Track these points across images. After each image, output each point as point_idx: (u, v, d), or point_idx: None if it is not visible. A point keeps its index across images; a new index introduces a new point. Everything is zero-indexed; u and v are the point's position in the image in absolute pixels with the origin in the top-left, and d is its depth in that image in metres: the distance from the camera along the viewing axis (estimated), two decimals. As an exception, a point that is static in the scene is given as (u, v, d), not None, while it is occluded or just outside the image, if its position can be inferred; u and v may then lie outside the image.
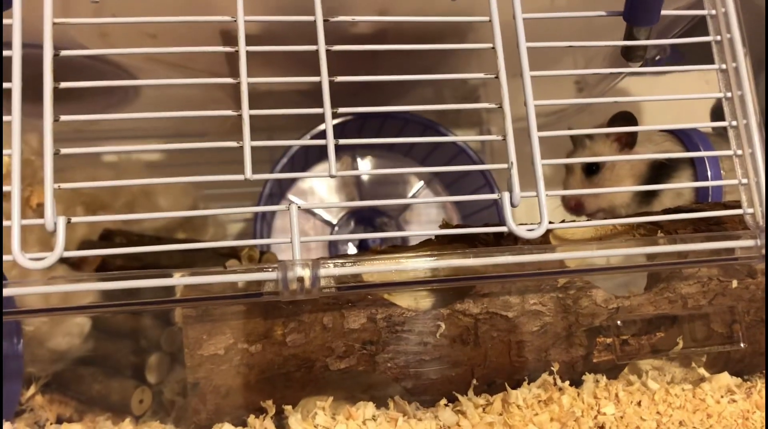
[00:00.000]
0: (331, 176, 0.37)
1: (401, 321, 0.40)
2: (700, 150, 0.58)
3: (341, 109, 0.38)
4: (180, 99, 0.70)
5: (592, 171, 0.58)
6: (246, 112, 0.37)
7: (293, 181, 0.77)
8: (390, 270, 0.37)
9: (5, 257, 0.34)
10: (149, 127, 0.78)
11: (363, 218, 0.80)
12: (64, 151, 0.36)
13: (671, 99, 0.47)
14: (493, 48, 0.40)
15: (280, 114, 0.38)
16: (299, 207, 0.37)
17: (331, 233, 0.77)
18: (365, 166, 0.80)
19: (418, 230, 0.79)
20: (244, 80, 0.37)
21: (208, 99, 0.72)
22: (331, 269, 0.36)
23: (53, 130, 0.35)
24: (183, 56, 0.60)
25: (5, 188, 0.34)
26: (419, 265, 0.37)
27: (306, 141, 0.62)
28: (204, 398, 0.38)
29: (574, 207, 0.59)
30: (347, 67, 0.39)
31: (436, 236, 0.46)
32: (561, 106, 0.81)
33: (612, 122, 0.56)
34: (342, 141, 0.38)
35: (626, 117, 0.55)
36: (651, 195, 0.58)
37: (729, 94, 0.41)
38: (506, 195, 0.38)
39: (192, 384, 0.38)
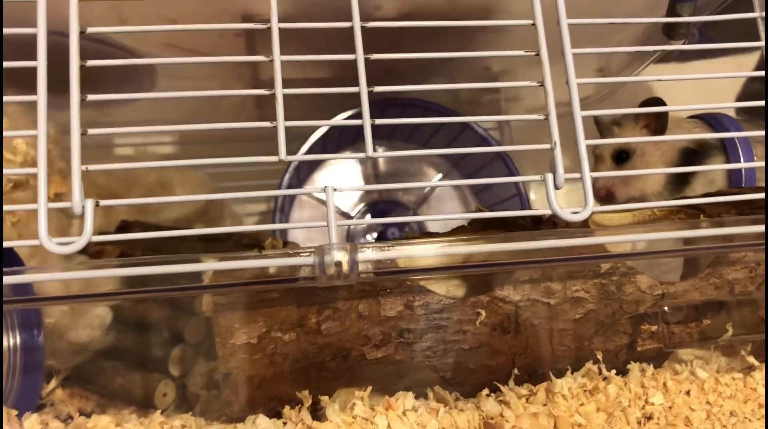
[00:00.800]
0: (368, 157, 0.36)
1: (439, 308, 0.38)
2: (730, 137, 0.56)
3: (377, 88, 0.37)
4: (196, 87, 0.69)
5: (622, 159, 0.56)
6: (279, 91, 0.36)
7: (310, 173, 0.75)
8: (429, 255, 0.36)
9: (30, 242, 0.33)
10: (164, 119, 0.77)
11: (380, 211, 0.78)
12: (91, 131, 0.34)
13: (707, 77, 0.46)
14: (533, 24, 0.38)
15: (311, 94, 0.37)
16: (335, 189, 0.35)
17: (349, 227, 0.76)
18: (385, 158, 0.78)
19: (435, 224, 0.78)
20: (277, 57, 0.36)
21: (228, 88, 0.70)
22: (369, 253, 0.34)
23: (64, 118, 0.34)
24: (203, 43, 0.59)
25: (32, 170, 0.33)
26: (459, 249, 0.35)
27: (341, 121, 0.61)
28: (236, 389, 0.37)
29: (605, 196, 0.57)
30: (372, 51, 0.38)
31: (469, 223, 0.45)
32: (584, 95, 0.79)
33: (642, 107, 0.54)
34: (378, 121, 0.37)
35: (657, 102, 0.53)
36: (683, 182, 0.56)
37: (771, 72, 0.40)
38: (549, 176, 0.37)
39: (224, 374, 0.37)
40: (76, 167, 0.34)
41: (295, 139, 0.70)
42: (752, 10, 0.40)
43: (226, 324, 0.37)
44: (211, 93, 0.38)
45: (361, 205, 0.78)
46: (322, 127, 0.68)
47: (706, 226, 0.39)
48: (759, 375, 0.39)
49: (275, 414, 0.36)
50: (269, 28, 0.36)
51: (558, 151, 0.37)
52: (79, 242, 0.33)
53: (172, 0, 0.52)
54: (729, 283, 0.41)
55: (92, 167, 0.34)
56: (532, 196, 0.77)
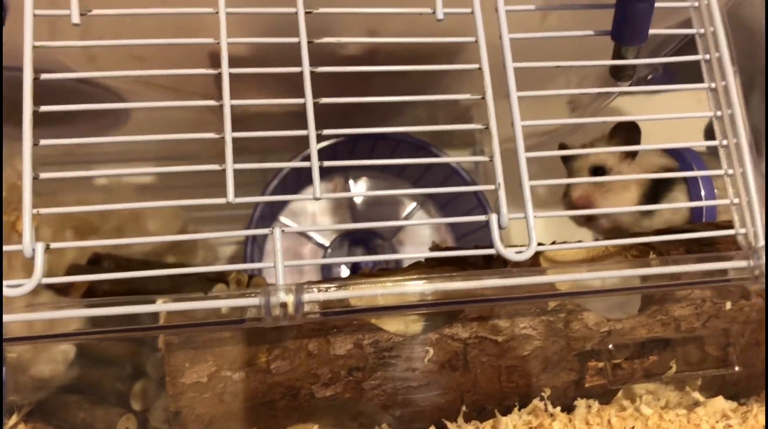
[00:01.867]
0: (316, 199, 0.37)
1: (389, 346, 0.39)
2: (693, 169, 0.58)
3: (326, 131, 0.38)
4: (171, 121, 0.70)
5: (598, 175, 0.58)
6: (228, 134, 0.37)
7: (285, 203, 0.76)
8: (376, 294, 0.37)
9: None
10: (139, 150, 0.78)
11: (356, 240, 0.79)
12: (43, 175, 0.35)
13: (661, 119, 0.47)
14: (479, 69, 0.39)
15: (265, 136, 0.38)
16: (282, 230, 0.36)
17: (324, 255, 0.77)
18: (358, 188, 0.79)
19: (411, 251, 0.79)
20: (227, 102, 0.37)
21: (199, 122, 0.71)
22: (315, 294, 0.35)
23: (34, 154, 0.35)
24: (173, 79, 0.60)
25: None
26: (406, 289, 0.36)
27: (290, 163, 0.62)
28: (186, 427, 0.37)
29: (583, 206, 0.57)
30: (339, 89, 0.39)
31: (427, 259, 0.46)
32: (554, 126, 0.80)
33: (615, 131, 0.56)
34: (327, 163, 0.37)
35: (629, 126, 0.55)
36: (654, 204, 0.57)
37: (719, 113, 0.41)
38: (494, 217, 0.38)
39: (174, 413, 0.37)
40: (27, 211, 0.35)
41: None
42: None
43: (176, 363, 0.37)
44: (165, 137, 0.39)
45: (337, 235, 0.79)
46: (296, 158, 0.70)
47: (655, 265, 0.40)
48: (703, 411, 0.40)
49: (224, 453, 0.37)
50: (220, 73, 0.38)
51: (502, 193, 0.38)
52: (28, 285, 0.34)
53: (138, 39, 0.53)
54: (675, 319, 0.41)
55: (44, 211, 0.35)
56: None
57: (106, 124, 0.70)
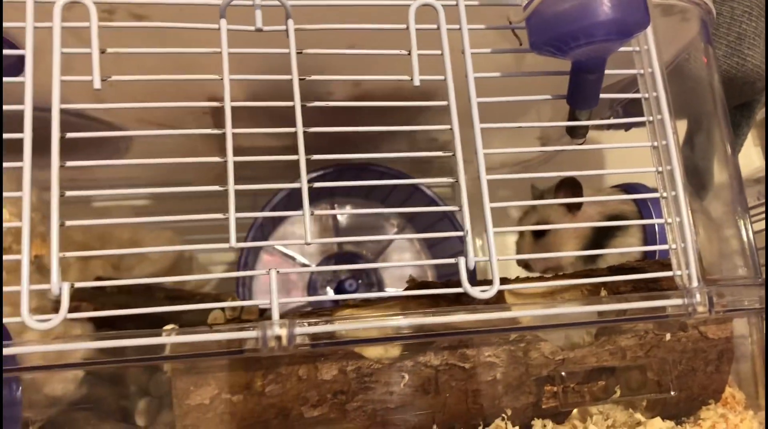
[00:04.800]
0: (307, 244, 0.42)
1: (369, 372, 0.44)
2: (648, 205, 0.63)
3: (315, 156, 0.43)
4: (169, 154, 0.75)
5: (539, 234, 0.63)
6: (230, 159, 0.42)
7: (275, 226, 0.82)
8: (359, 327, 0.42)
9: (14, 320, 0.39)
10: (139, 177, 0.83)
11: (341, 260, 0.84)
12: (69, 193, 0.40)
13: (604, 173, 0.53)
14: (447, 104, 0.45)
15: (261, 161, 0.43)
16: (278, 271, 0.42)
17: (311, 275, 0.82)
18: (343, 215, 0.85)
19: (393, 275, 0.84)
20: (229, 130, 0.42)
21: (194, 154, 0.77)
22: (306, 328, 0.40)
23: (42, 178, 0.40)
24: (171, 119, 0.65)
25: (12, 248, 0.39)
26: (385, 324, 0.42)
27: (284, 185, 0.68)
28: (191, 444, 0.42)
29: (524, 267, 0.64)
30: (333, 124, 0.45)
31: (406, 288, 0.51)
32: (525, 158, 0.87)
33: (559, 187, 0.61)
34: (316, 184, 0.43)
35: (571, 183, 0.60)
36: (596, 258, 0.62)
37: (660, 169, 0.47)
38: (462, 260, 0.43)
39: (180, 431, 0.42)
40: (55, 255, 0.40)
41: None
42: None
43: (182, 387, 0.42)
44: (171, 161, 0.44)
45: (323, 257, 0.84)
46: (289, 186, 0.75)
47: (605, 302, 0.46)
48: (644, 430, 0.46)
49: (224, 466, 0.42)
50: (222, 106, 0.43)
51: (469, 239, 0.44)
52: (55, 320, 0.39)
53: (145, 82, 0.59)
54: (622, 349, 0.47)
55: (69, 254, 0.40)
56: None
57: (105, 155, 0.75)
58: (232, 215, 0.42)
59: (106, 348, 0.41)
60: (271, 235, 0.82)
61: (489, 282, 0.43)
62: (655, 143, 0.47)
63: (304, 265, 0.83)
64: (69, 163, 0.41)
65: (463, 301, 0.47)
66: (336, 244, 0.85)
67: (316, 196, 0.82)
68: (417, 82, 0.45)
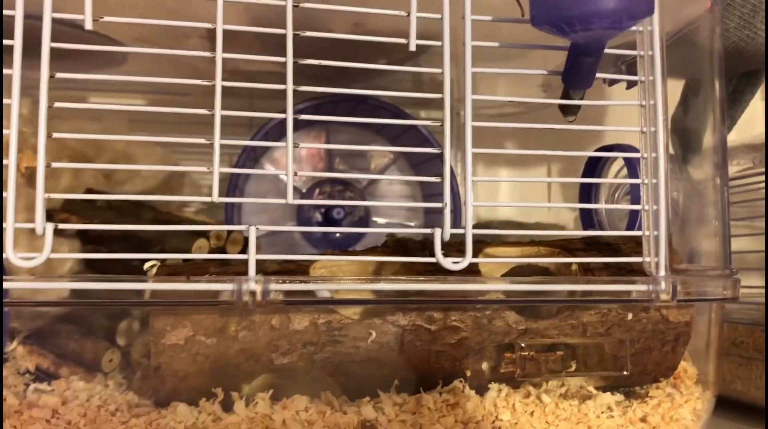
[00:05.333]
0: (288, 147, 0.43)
1: (339, 327, 0.46)
2: (636, 167, 0.64)
3: (302, 88, 0.44)
4: (164, 61, 0.74)
5: None
6: (219, 82, 0.42)
7: (267, 149, 0.82)
8: (331, 289, 0.44)
9: (-4, 256, 0.40)
10: (133, 83, 0.82)
11: (332, 184, 0.85)
12: (58, 104, 0.41)
13: (591, 129, 0.52)
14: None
15: (249, 88, 0.44)
16: (257, 228, 0.43)
17: (301, 197, 0.83)
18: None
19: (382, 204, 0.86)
20: (219, 54, 0.43)
21: (190, 66, 0.75)
22: (280, 285, 0.42)
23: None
24: (168, 40, 0.64)
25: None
26: (357, 286, 0.43)
27: (270, 115, 0.68)
28: (164, 380, 0.45)
29: None
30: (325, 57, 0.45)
31: (383, 244, 0.53)
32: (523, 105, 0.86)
33: None
34: (303, 116, 0.44)
35: None
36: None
37: (644, 129, 0.47)
38: (438, 231, 0.44)
39: (154, 367, 0.45)
40: (40, 196, 0.41)
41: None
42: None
43: (159, 326, 0.44)
44: (166, 80, 0.44)
45: (313, 183, 0.85)
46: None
47: (572, 282, 0.47)
48: (592, 403, 0.48)
49: (194, 403, 0.45)
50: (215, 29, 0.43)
51: (447, 211, 0.44)
52: (38, 259, 0.40)
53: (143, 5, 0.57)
54: (583, 325, 0.49)
55: (54, 196, 0.41)
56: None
57: (101, 62, 0.74)
58: (217, 142, 0.43)
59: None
60: (263, 155, 0.82)
61: (462, 252, 0.44)
62: (643, 103, 0.47)
63: (295, 189, 0.83)
64: (59, 75, 0.41)
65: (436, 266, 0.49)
66: (327, 170, 0.86)
67: (311, 123, 0.82)
68: (413, 47, 0.45)
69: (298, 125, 0.81)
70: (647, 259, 0.46)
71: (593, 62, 0.44)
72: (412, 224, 0.86)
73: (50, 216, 0.61)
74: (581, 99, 0.47)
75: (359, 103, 0.78)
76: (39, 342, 0.56)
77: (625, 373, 0.49)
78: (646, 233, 0.46)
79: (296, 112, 0.74)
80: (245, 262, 0.42)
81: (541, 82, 0.80)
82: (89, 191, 0.68)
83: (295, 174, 0.44)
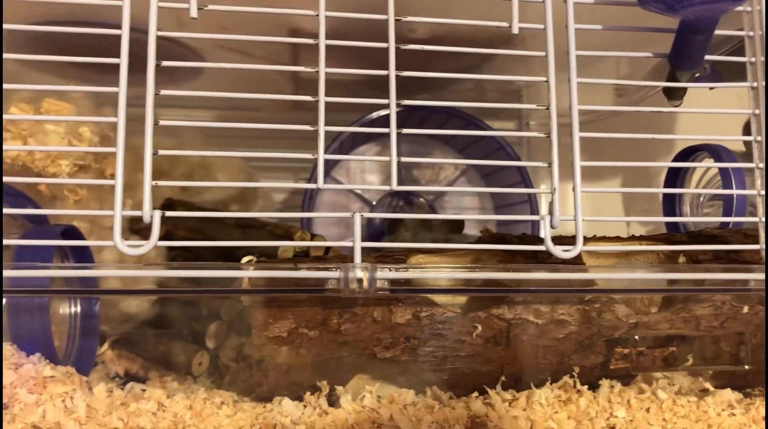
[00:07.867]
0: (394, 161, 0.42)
1: (443, 320, 0.45)
2: (729, 171, 0.61)
3: (405, 102, 0.43)
4: (238, 75, 0.75)
5: None
6: (322, 99, 0.42)
7: (337, 161, 0.81)
8: (436, 277, 0.42)
9: (106, 243, 0.40)
10: (207, 98, 0.83)
11: (398, 197, 0.84)
12: (163, 122, 0.40)
13: (700, 112, 0.50)
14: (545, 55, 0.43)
15: (347, 102, 0.43)
16: (362, 215, 0.42)
17: (370, 211, 0.82)
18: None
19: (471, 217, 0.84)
20: (323, 69, 0.42)
21: (265, 79, 0.76)
22: (387, 273, 0.41)
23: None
24: (251, 46, 0.65)
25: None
26: (461, 275, 0.42)
27: (371, 130, 0.68)
28: (267, 373, 0.44)
29: None
30: (404, 66, 0.44)
31: (479, 239, 0.51)
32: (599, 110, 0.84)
33: None
34: (405, 131, 0.43)
35: None
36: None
37: (759, 138, 0.45)
38: (547, 218, 0.42)
39: (257, 360, 0.44)
40: (148, 184, 0.40)
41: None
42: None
43: (261, 318, 0.43)
44: (260, 96, 0.43)
45: (383, 194, 0.84)
46: (355, 123, 0.75)
47: (684, 270, 0.45)
48: (711, 400, 0.46)
49: (297, 398, 0.43)
50: (317, 44, 0.42)
51: (556, 197, 0.43)
52: (146, 246, 0.40)
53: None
54: (696, 318, 0.47)
55: (161, 183, 0.41)
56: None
57: (178, 76, 0.75)
58: (321, 157, 0.42)
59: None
60: (333, 169, 0.82)
61: (567, 240, 0.42)
62: (755, 84, 0.45)
63: (365, 201, 0.83)
64: (164, 92, 0.41)
65: (538, 257, 0.47)
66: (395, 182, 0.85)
67: (381, 133, 0.81)
68: (516, 30, 0.44)
69: (371, 136, 0.82)
70: (764, 247, 0.44)
71: (704, 40, 0.43)
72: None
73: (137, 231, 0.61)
74: (689, 81, 0.45)
75: (432, 112, 0.77)
76: (128, 346, 0.56)
77: (746, 367, 0.46)
78: (762, 220, 0.44)
79: (367, 123, 0.75)
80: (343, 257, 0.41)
81: (616, 86, 0.79)
82: (168, 201, 0.68)
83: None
